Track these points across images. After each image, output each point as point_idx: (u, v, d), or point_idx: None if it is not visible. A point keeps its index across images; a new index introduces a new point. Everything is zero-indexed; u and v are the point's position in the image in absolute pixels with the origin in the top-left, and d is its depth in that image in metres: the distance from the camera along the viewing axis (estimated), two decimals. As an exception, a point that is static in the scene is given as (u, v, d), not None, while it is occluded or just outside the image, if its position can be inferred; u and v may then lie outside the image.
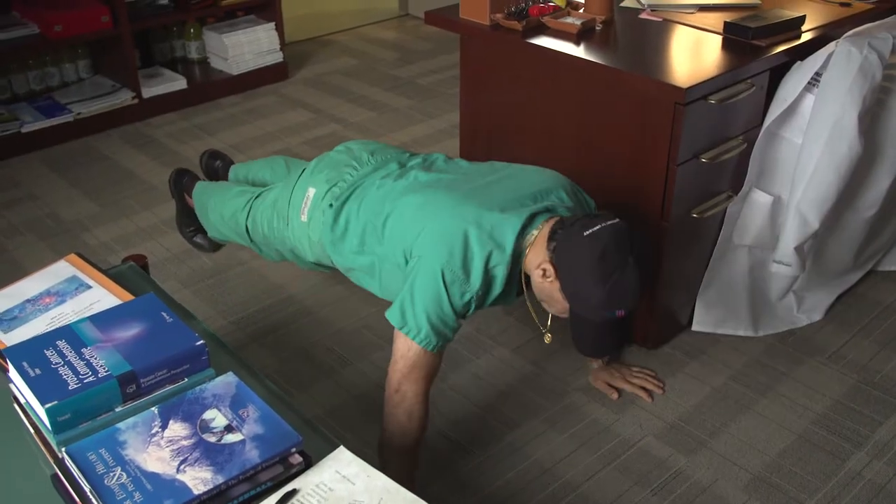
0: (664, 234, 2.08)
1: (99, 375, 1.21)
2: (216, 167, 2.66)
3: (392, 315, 1.69)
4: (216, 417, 1.21)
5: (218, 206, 2.29)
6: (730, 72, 1.98)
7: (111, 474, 1.11)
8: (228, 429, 1.19)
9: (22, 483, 1.24)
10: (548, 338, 1.87)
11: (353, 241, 1.85)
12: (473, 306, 1.69)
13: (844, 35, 2.02)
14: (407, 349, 1.68)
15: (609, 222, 1.63)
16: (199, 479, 1.11)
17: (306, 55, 4.52)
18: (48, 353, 1.26)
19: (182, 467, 1.12)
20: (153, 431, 1.18)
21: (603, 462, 1.99)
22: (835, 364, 2.29)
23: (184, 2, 3.80)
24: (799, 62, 2.08)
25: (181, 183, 2.64)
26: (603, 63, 2.04)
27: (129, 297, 1.51)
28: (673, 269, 2.19)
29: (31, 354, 1.26)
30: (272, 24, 4.06)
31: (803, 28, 2.18)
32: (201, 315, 2.42)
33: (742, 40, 2.11)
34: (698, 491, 1.92)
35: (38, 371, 1.22)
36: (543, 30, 2.21)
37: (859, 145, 2.04)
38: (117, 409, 1.22)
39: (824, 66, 2.02)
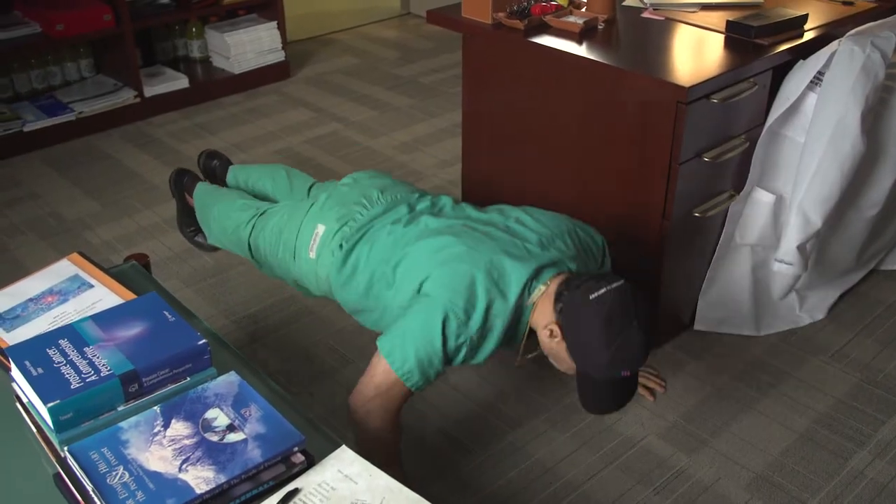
0: (666, 234, 2.08)
1: (101, 374, 1.21)
2: (213, 167, 2.66)
3: (382, 342, 1.70)
4: (218, 417, 1.21)
5: (221, 217, 2.29)
6: (732, 70, 1.98)
7: (113, 473, 1.11)
8: (230, 428, 1.19)
9: (24, 482, 1.24)
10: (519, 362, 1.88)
11: (361, 285, 1.87)
12: (464, 351, 1.69)
13: (847, 34, 2.02)
14: (385, 377, 1.68)
15: (613, 285, 1.66)
16: (201, 478, 1.11)
17: (308, 54, 4.51)
18: (50, 352, 1.26)
19: (184, 466, 1.13)
20: (155, 430, 1.18)
21: (605, 461, 1.99)
22: (837, 363, 2.29)
23: (185, 1, 3.80)
24: (801, 61, 2.07)
25: (181, 183, 2.64)
26: (605, 62, 2.04)
27: (131, 296, 1.51)
28: (675, 268, 2.19)
29: (33, 353, 1.26)
30: (274, 23, 4.06)
31: (806, 27, 2.17)
32: (203, 314, 2.42)
33: (744, 39, 2.11)
34: (700, 490, 1.92)
35: (40, 370, 1.23)
36: (545, 29, 2.21)
37: (862, 144, 2.04)
38: (119, 409, 1.23)
39: (827, 64, 2.01)
